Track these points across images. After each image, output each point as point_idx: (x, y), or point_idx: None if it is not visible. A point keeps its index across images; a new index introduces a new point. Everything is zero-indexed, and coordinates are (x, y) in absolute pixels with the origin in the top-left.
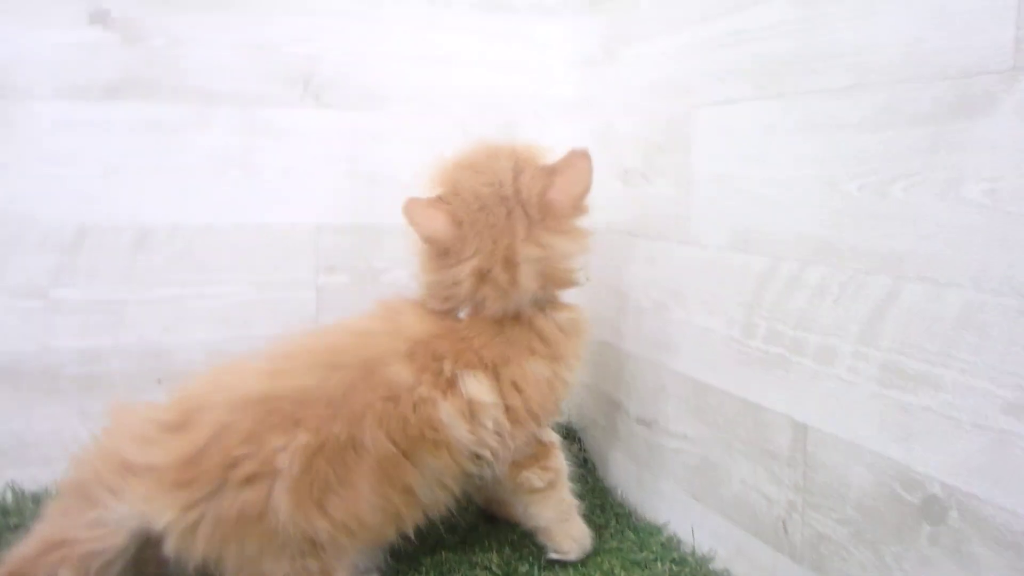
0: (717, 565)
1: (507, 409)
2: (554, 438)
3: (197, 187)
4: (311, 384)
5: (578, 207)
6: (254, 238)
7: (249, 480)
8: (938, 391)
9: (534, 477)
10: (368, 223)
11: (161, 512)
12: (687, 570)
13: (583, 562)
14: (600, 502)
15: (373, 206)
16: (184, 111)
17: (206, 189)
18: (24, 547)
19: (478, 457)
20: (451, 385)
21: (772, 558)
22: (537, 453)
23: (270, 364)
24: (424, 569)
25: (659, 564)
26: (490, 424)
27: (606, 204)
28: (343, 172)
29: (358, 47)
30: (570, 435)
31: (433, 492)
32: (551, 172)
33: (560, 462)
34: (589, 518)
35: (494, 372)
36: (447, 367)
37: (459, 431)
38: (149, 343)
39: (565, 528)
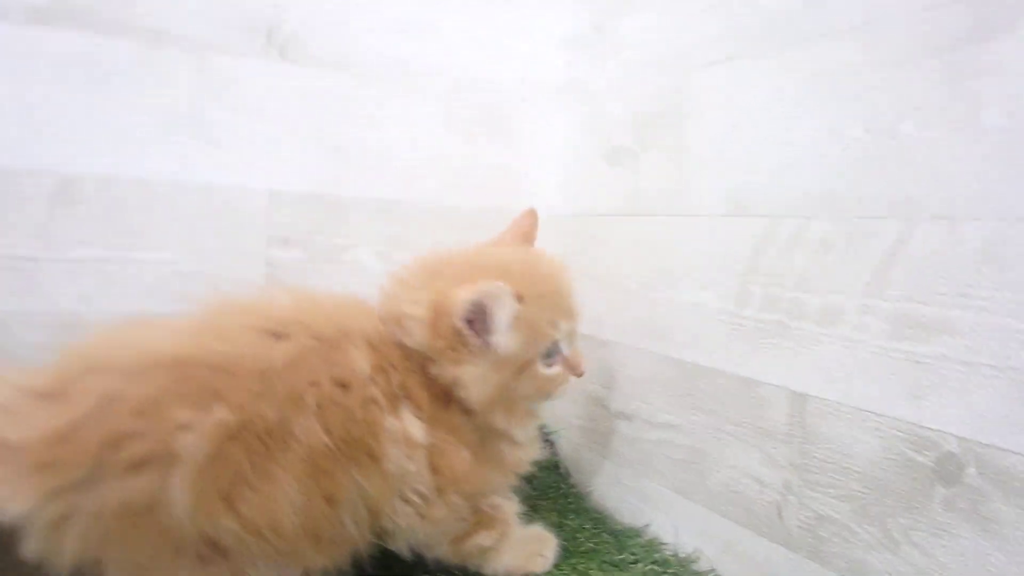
0: (702, 565)
1: (432, 469)
2: (498, 501)
3: (135, 137)
4: (245, 351)
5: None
6: (198, 200)
7: (138, 465)
8: (954, 336)
9: (481, 539)
10: (331, 194)
11: (14, 498)
12: (669, 571)
13: (556, 565)
14: (575, 506)
15: (338, 177)
16: (126, 49)
17: (145, 140)
18: None
19: (404, 502)
20: (397, 402)
21: (765, 550)
22: (481, 520)
23: (196, 322)
24: None
25: (639, 566)
26: (414, 468)
27: (592, 189)
28: (306, 137)
29: (331, 1)
30: (542, 439)
31: (356, 519)
32: None
33: (507, 511)
34: (561, 524)
35: (430, 422)
36: (395, 381)
37: (397, 450)
38: (62, 312)
39: (526, 555)
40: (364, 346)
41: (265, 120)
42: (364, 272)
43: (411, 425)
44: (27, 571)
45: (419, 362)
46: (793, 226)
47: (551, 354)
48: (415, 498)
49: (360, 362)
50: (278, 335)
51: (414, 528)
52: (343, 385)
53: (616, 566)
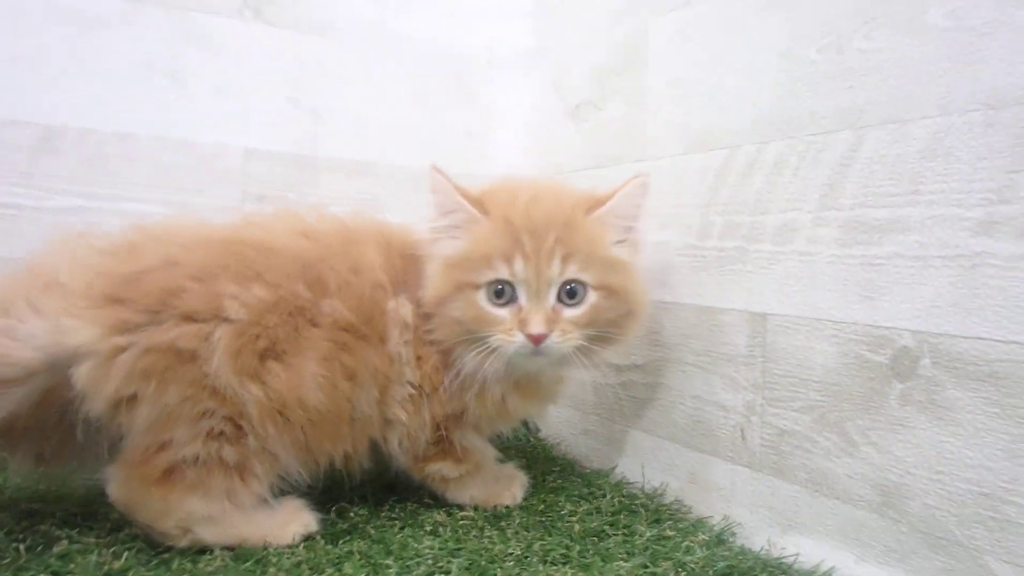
0: (668, 498)
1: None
2: (475, 444)
3: (116, 91)
4: (283, 241)
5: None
6: (176, 155)
7: (190, 316)
8: (906, 233)
9: (445, 469)
10: (305, 155)
11: (82, 329)
12: (637, 503)
13: (525, 499)
14: (543, 455)
15: (313, 137)
16: (107, 4)
17: (126, 94)
18: None
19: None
20: (398, 289)
21: (729, 474)
22: (447, 451)
23: (241, 220)
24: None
25: (607, 499)
26: (405, 353)
27: (557, 148)
28: (282, 97)
29: None
30: None
31: (369, 399)
32: None
33: (482, 452)
34: (529, 467)
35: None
36: (399, 276)
37: (397, 332)
38: None
39: (496, 491)
40: (376, 247)
41: (243, 79)
42: None
43: (403, 307)
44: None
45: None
46: (751, 151)
47: (501, 293)
48: (409, 388)
49: (371, 255)
50: (307, 235)
51: (403, 422)
52: (356, 271)
53: (584, 499)
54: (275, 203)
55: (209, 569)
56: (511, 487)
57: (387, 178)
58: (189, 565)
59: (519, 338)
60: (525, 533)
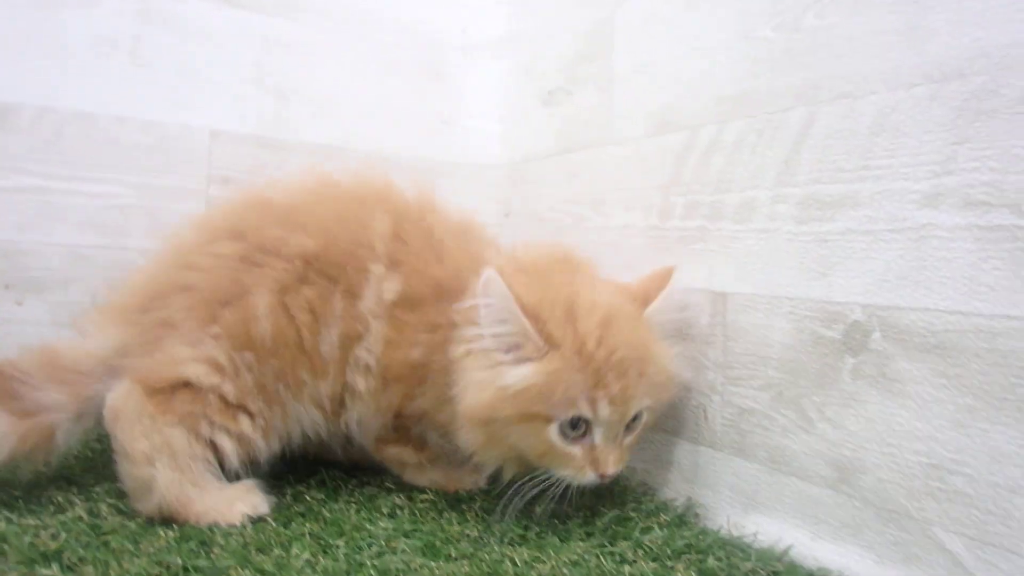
0: (632, 481)
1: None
2: (437, 440)
3: (76, 69)
4: (283, 197)
5: None
6: (139, 135)
7: (273, 253)
8: (856, 208)
9: (404, 454)
10: (272, 137)
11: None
12: (602, 488)
13: (490, 482)
14: None
15: (279, 120)
16: None
17: (86, 73)
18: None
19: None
20: (390, 262)
21: (692, 454)
22: (407, 438)
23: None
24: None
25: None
26: (374, 325)
27: (529, 134)
28: (248, 79)
29: None
30: None
31: (330, 346)
32: None
33: (440, 449)
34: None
35: (404, 302)
36: (399, 253)
37: (370, 293)
38: (0, 241)
39: (456, 477)
40: (388, 216)
41: (208, 60)
42: None
43: (389, 281)
44: None
45: (445, 286)
46: (711, 131)
47: (576, 427)
48: (368, 358)
49: (377, 220)
50: (318, 193)
51: (361, 395)
52: (342, 221)
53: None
54: (241, 185)
55: (151, 549)
56: (474, 472)
57: (356, 162)
58: (130, 546)
59: (590, 476)
60: (485, 516)
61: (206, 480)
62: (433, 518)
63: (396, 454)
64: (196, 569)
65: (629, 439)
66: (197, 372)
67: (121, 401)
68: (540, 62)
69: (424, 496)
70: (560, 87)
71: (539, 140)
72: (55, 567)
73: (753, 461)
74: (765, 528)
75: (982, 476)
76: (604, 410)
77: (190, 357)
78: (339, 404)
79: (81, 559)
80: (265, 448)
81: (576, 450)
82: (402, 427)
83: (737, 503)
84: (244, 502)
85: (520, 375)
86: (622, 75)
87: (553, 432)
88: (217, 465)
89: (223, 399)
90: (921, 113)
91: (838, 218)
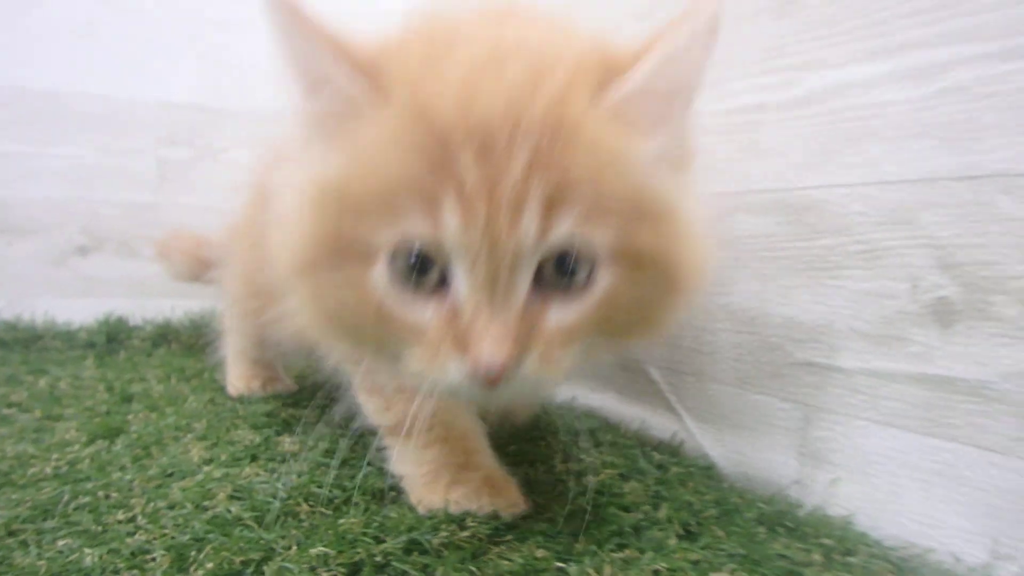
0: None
1: None
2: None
3: (43, 52)
4: None
5: None
6: (98, 107)
7: None
8: None
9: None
10: (211, 105)
11: None
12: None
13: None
14: None
15: (217, 89)
16: None
17: (51, 55)
18: None
19: None
20: None
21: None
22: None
23: None
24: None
25: None
26: None
27: None
28: (191, 52)
29: None
30: None
31: None
32: None
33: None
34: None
35: None
36: None
37: None
38: None
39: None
40: None
41: (154, 36)
42: (240, 168)
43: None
44: None
45: None
46: None
47: (423, 270)
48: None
49: None
50: None
51: None
52: None
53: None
54: (187, 146)
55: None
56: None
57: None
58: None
59: (455, 368)
60: None
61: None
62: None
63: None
64: None
65: (563, 315)
66: None
67: None
68: None
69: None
70: None
71: None
72: None
73: None
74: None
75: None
76: (451, 221)
77: None
78: None
79: None
80: None
81: (427, 314)
82: None
83: None
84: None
85: (321, 160)
86: None
87: (380, 276)
88: None
89: None
90: None
91: None
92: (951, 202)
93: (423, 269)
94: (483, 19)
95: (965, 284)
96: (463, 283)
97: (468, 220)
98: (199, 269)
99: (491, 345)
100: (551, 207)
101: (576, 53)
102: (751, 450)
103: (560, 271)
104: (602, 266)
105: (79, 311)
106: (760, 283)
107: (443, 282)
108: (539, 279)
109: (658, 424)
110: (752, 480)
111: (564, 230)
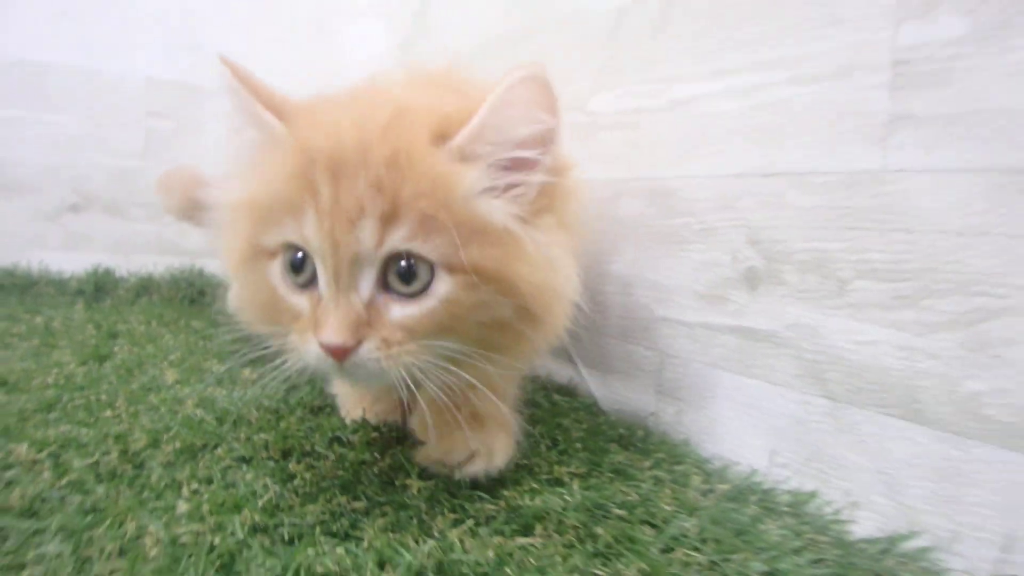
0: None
1: None
2: None
3: (37, 31)
4: None
5: None
6: (89, 81)
7: None
8: None
9: None
10: (190, 82)
11: None
12: None
13: None
14: None
15: (196, 69)
16: None
17: (46, 33)
18: None
19: None
20: None
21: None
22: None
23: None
24: None
25: None
26: None
27: None
28: (175, 35)
29: None
30: None
31: None
32: None
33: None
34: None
35: None
36: None
37: None
38: None
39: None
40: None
41: (141, 20)
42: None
43: None
44: None
45: None
46: None
47: (300, 268)
48: None
49: None
50: None
51: None
52: None
53: None
54: (171, 118)
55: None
56: None
57: None
58: None
59: (312, 345)
60: None
61: None
62: None
63: None
64: None
65: (403, 312)
66: None
67: None
68: (427, 33)
69: None
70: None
71: None
72: None
73: None
74: None
75: None
76: (309, 227)
77: None
78: None
79: None
80: None
81: (303, 302)
82: None
83: None
84: None
85: (246, 182)
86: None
87: (275, 272)
88: None
89: None
90: None
91: None
92: (758, 192)
93: (301, 267)
94: (395, 85)
95: (766, 256)
96: (321, 278)
97: (320, 228)
98: (192, 209)
99: (332, 327)
100: (386, 221)
101: (430, 107)
102: (624, 390)
103: (403, 278)
104: (440, 275)
105: (70, 263)
106: (636, 253)
107: (313, 280)
108: (385, 283)
109: (561, 372)
110: (623, 413)
111: (396, 240)
